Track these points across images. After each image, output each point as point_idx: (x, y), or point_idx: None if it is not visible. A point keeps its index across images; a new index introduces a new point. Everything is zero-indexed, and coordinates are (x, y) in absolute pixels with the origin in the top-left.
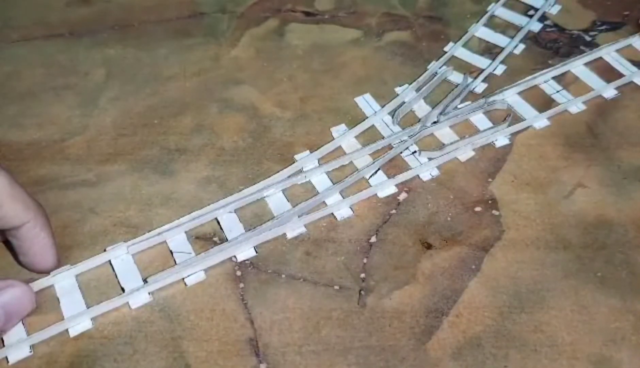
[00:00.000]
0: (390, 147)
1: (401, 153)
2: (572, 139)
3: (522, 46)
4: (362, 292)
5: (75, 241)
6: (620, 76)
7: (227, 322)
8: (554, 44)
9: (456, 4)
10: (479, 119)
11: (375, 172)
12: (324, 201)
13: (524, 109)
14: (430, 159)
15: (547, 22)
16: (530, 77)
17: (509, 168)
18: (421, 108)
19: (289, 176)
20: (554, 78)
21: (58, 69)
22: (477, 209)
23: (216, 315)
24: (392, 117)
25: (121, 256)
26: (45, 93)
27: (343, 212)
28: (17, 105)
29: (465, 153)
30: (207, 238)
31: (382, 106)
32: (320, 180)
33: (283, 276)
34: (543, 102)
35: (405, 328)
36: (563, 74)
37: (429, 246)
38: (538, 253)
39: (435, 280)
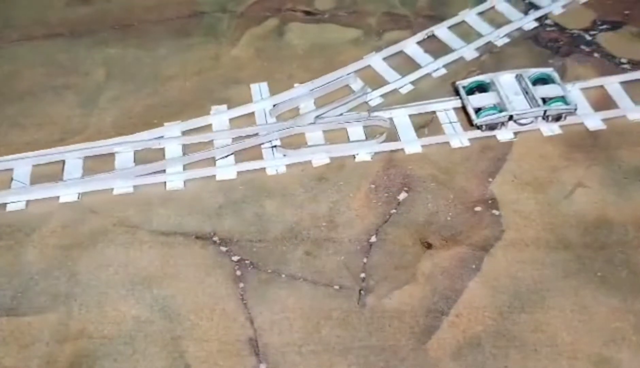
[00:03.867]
0: (257, 135)
1: (262, 144)
2: (573, 139)
3: (443, 71)
4: (362, 292)
5: (75, 241)
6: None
7: (227, 321)
8: (554, 44)
9: (456, 3)
10: (356, 131)
11: (227, 155)
12: (164, 170)
13: (405, 132)
14: (284, 156)
15: (547, 22)
16: (427, 101)
17: (509, 167)
18: (308, 107)
19: (148, 140)
20: (454, 109)
21: (58, 69)
22: (477, 209)
23: (216, 314)
24: (273, 109)
25: None
26: (45, 93)
27: (175, 184)
28: (17, 105)
29: (320, 159)
30: (206, 238)
31: (270, 96)
32: (173, 150)
33: (283, 276)
34: (431, 129)
35: (405, 328)
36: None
37: (429, 246)
38: (538, 253)
39: (435, 280)
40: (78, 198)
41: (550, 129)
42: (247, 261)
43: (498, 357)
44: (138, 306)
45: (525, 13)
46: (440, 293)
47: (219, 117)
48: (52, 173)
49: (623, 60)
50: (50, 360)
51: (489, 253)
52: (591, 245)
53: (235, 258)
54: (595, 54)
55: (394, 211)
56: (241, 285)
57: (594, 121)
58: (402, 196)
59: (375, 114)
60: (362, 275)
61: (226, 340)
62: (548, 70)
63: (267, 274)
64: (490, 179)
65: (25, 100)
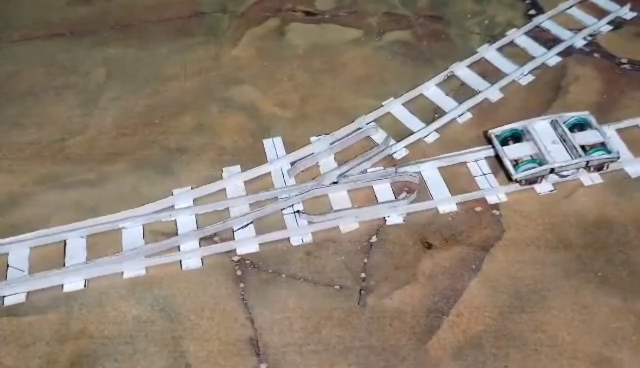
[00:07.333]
0: (276, 200)
1: (283, 209)
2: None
3: (468, 115)
4: (363, 292)
5: None
6: None
7: (228, 321)
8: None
9: (457, 3)
10: (383, 189)
11: (246, 225)
12: (178, 246)
13: (437, 187)
14: (309, 223)
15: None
16: (457, 152)
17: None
18: (328, 163)
19: (155, 212)
20: (486, 158)
21: (59, 69)
22: (478, 209)
23: (217, 314)
24: (291, 169)
25: None
26: (45, 93)
27: (191, 262)
28: (18, 105)
29: (348, 224)
30: (207, 238)
31: (287, 153)
32: (185, 221)
33: (283, 275)
34: (463, 183)
35: (406, 328)
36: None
37: (429, 246)
38: (538, 253)
39: (435, 280)
40: (85, 285)
41: (591, 178)
42: (247, 261)
43: (498, 356)
44: (138, 306)
45: (548, 48)
46: (440, 293)
47: (233, 181)
48: (53, 255)
49: (623, 60)
50: (50, 360)
51: (490, 253)
52: (591, 245)
53: (235, 258)
54: (596, 54)
55: None
56: (242, 284)
57: (636, 167)
58: (403, 195)
59: (403, 169)
60: (363, 274)
61: (227, 340)
62: (584, 114)
63: (268, 274)
64: None
65: (26, 100)
